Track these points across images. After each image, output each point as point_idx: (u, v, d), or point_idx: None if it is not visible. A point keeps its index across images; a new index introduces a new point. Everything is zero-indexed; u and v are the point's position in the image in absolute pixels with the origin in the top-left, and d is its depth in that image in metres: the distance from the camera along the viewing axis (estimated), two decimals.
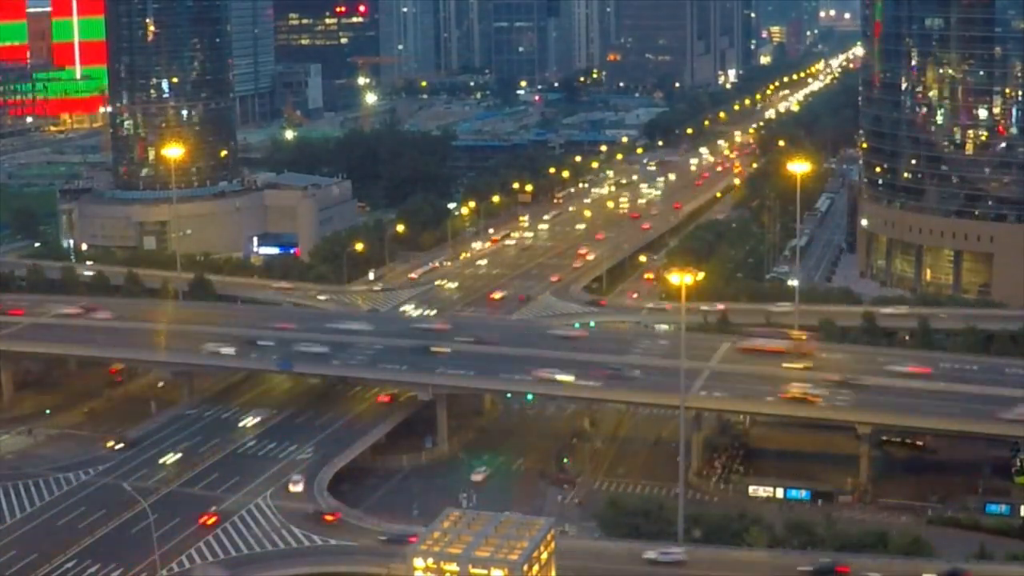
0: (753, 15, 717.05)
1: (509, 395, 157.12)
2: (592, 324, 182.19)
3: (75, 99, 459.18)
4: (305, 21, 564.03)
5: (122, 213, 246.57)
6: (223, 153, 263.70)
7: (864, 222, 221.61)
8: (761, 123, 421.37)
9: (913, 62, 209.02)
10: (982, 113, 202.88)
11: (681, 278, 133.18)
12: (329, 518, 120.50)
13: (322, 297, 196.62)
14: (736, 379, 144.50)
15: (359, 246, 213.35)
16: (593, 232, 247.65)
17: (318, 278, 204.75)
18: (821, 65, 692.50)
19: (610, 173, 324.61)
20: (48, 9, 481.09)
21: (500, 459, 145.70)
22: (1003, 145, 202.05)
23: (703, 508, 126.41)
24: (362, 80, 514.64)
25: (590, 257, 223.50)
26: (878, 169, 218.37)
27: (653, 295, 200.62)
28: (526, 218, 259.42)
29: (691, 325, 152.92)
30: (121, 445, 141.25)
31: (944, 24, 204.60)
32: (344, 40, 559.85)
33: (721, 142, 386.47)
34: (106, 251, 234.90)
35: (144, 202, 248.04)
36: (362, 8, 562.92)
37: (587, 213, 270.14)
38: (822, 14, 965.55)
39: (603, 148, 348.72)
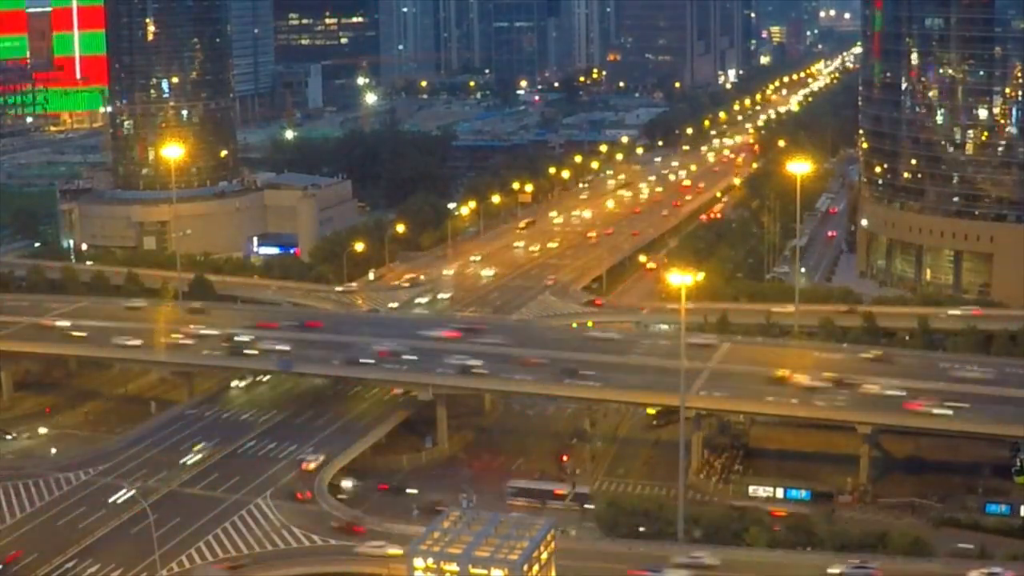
0: (753, 15, 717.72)
1: None
2: (589, 324, 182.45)
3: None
4: (305, 21, 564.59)
5: (122, 213, 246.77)
6: (223, 153, 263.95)
7: (864, 222, 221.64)
8: (761, 123, 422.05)
9: (913, 62, 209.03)
10: (982, 113, 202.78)
11: (681, 278, 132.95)
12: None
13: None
14: (736, 379, 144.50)
15: (359, 246, 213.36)
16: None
17: (318, 278, 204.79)
18: (821, 65, 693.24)
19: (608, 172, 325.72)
20: (48, 9, 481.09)
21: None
22: (1003, 145, 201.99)
23: (703, 508, 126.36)
24: (362, 80, 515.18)
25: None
26: (878, 169, 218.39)
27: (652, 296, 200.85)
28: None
29: (691, 325, 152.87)
30: None
31: (944, 24, 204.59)
32: (344, 40, 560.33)
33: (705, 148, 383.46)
34: (106, 251, 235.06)
35: (144, 202, 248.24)
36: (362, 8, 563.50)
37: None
38: (822, 14, 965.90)
39: (603, 148, 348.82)
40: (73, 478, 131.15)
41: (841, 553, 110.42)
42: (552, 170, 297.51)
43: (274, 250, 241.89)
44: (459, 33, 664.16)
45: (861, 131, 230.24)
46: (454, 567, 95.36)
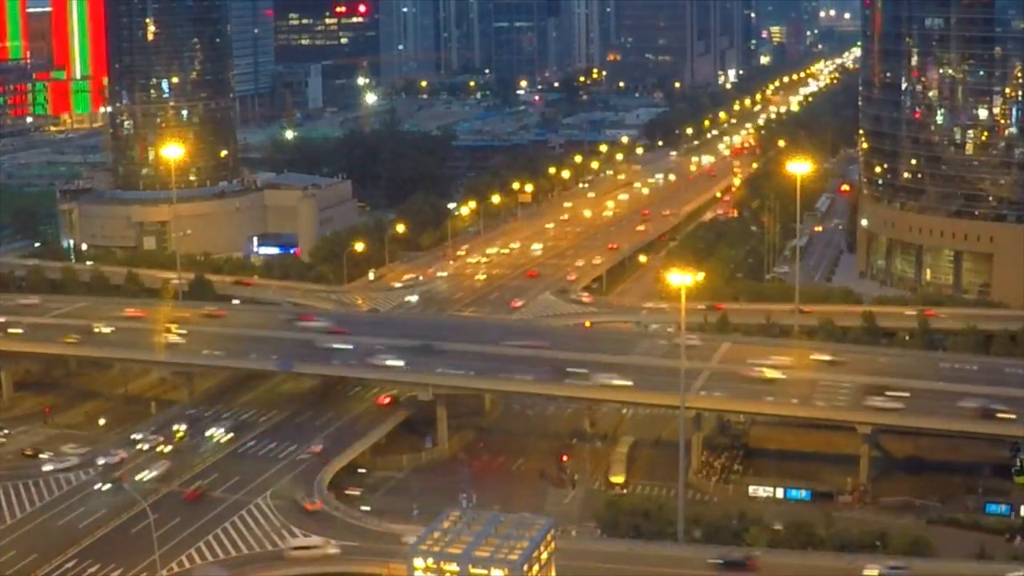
0: (753, 15, 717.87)
1: None
2: (588, 324, 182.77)
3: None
4: (305, 21, 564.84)
5: (122, 213, 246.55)
6: (223, 153, 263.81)
7: (864, 222, 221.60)
8: (760, 123, 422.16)
9: (913, 62, 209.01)
10: (982, 113, 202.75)
11: (681, 278, 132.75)
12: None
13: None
14: (736, 379, 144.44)
15: (359, 246, 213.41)
16: None
17: (318, 278, 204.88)
18: (821, 65, 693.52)
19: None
20: (48, 9, 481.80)
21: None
22: (1003, 145, 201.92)
23: (703, 508, 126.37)
24: (362, 80, 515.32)
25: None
26: (878, 169, 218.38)
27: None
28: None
29: (690, 325, 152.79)
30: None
31: (944, 24, 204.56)
32: (344, 40, 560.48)
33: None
34: (106, 251, 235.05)
35: (144, 202, 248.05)
36: (362, 8, 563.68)
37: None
38: (822, 14, 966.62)
39: (603, 148, 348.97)
40: (73, 478, 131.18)
41: (841, 552, 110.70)
42: (552, 170, 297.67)
43: (274, 250, 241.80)
44: (459, 33, 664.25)
45: (861, 131, 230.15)
46: (454, 567, 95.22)
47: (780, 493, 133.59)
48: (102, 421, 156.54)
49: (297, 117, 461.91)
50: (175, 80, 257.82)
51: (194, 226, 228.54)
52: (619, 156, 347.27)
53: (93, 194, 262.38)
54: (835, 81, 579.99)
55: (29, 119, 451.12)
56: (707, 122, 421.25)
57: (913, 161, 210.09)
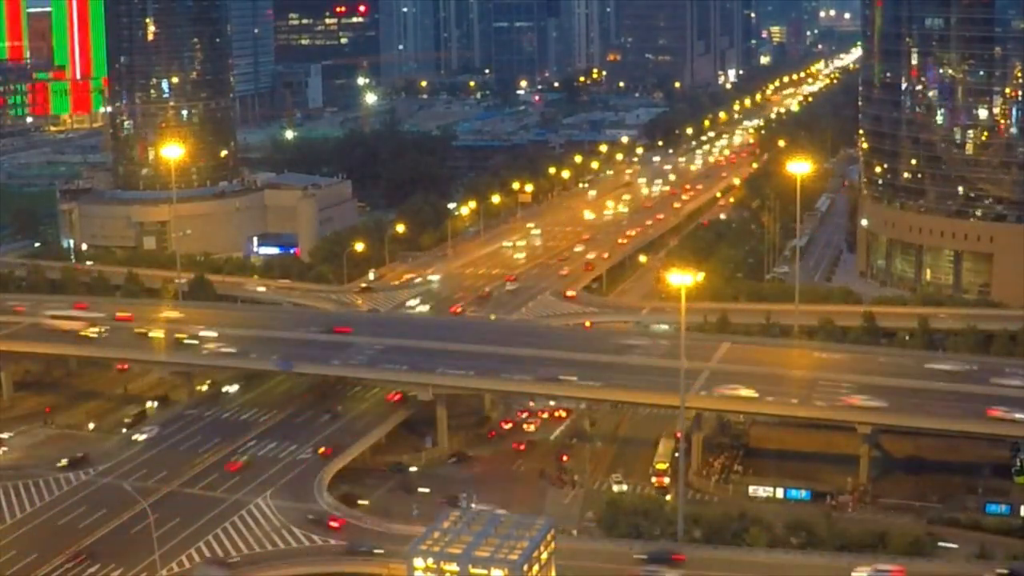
0: (753, 15, 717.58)
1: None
2: (588, 324, 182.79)
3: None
4: (305, 21, 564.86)
5: (122, 213, 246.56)
6: (223, 153, 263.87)
7: (864, 222, 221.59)
8: (761, 123, 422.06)
9: (913, 62, 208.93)
10: (982, 113, 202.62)
11: (681, 278, 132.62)
12: (334, 524, 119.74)
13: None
14: (736, 379, 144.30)
15: (359, 246, 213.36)
16: None
17: (318, 278, 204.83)
18: (821, 65, 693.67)
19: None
20: (48, 9, 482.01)
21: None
22: (1003, 145, 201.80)
23: (703, 508, 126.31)
24: (362, 80, 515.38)
25: None
26: (878, 169, 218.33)
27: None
28: None
29: (690, 325, 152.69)
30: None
31: (944, 24, 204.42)
32: (344, 40, 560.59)
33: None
34: (106, 251, 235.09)
35: (144, 202, 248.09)
36: (362, 8, 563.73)
37: None
38: (822, 14, 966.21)
39: (603, 148, 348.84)
40: (73, 478, 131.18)
41: (842, 552, 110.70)
42: (552, 170, 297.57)
43: (274, 250, 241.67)
44: (459, 33, 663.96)
45: (861, 131, 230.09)
46: (454, 567, 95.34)
47: (780, 493, 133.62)
48: (91, 425, 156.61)
49: (297, 117, 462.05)
50: (175, 80, 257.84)
51: (194, 226, 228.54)
52: (619, 156, 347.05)
53: (93, 194, 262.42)
54: (835, 81, 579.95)
55: (29, 119, 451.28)
56: (707, 122, 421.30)
57: (913, 161, 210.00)
